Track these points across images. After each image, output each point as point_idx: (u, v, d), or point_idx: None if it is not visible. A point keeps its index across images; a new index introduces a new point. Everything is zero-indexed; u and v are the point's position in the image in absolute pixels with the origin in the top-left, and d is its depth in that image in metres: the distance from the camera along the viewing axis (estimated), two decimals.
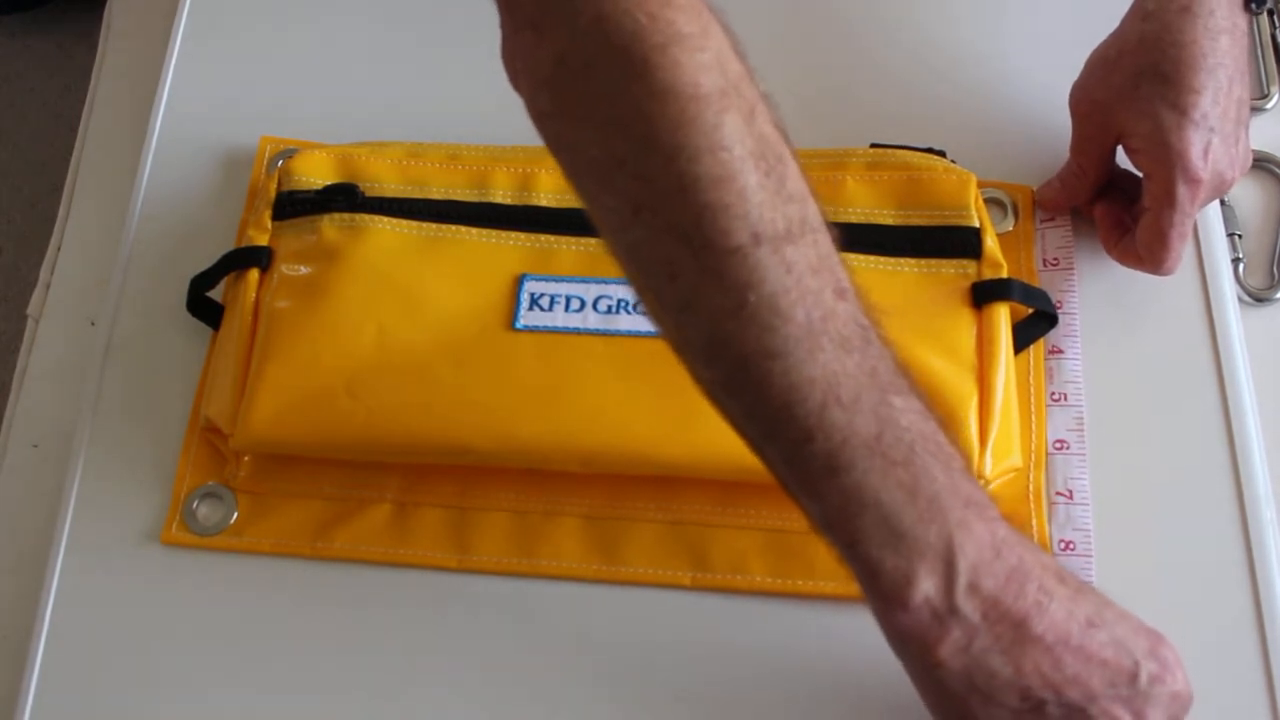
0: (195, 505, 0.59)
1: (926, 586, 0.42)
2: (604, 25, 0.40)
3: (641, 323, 0.58)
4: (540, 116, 0.43)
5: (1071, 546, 0.56)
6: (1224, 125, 0.55)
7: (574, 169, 0.43)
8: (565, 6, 0.40)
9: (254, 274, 0.62)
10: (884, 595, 0.43)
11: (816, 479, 0.42)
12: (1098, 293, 0.61)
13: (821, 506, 0.43)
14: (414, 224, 0.61)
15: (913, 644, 0.43)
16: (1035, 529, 0.56)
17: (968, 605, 0.42)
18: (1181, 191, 0.55)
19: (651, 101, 0.40)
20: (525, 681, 0.55)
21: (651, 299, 0.43)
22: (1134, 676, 0.44)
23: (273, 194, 0.64)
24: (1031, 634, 0.42)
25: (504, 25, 0.43)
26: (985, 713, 0.44)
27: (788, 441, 0.42)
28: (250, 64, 0.71)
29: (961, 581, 0.42)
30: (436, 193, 0.62)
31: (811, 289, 0.41)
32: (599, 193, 0.42)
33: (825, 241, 0.42)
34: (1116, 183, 0.61)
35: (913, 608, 0.42)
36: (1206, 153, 0.55)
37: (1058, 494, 0.57)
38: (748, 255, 0.40)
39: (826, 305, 0.41)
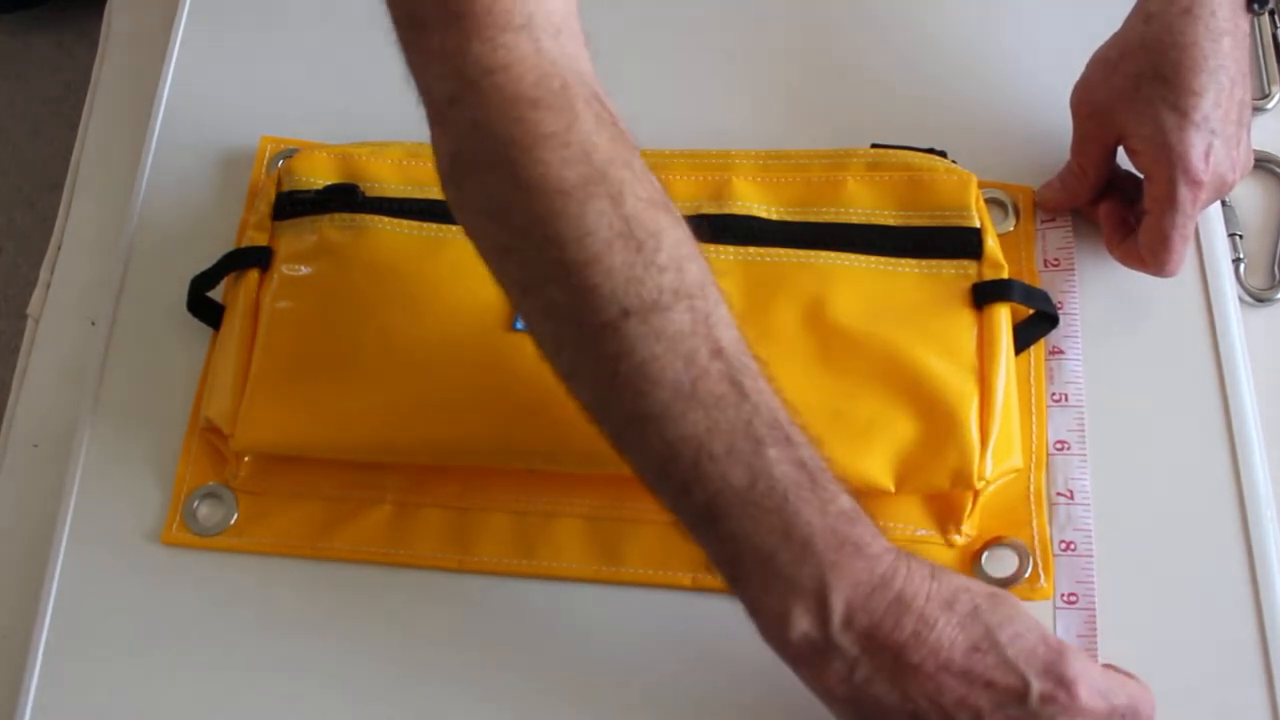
0: (195, 505, 0.59)
1: (802, 624, 0.44)
2: (479, 131, 0.45)
3: None
4: (450, 205, 0.48)
5: (1072, 547, 0.56)
6: (1225, 127, 0.55)
7: (480, 252, 0.48)
8: (451, 111, 0.46)
9: (254, 274, 0.62)
10: (765, 631, 0.45)
11: (698, 526, 0.46)
12: (1098, 293, 0.61)
13: (707, 549, 0.46)
14: (414, 224, 0.61)
15: (802, 671, 0.46)
16: (1036, 529, 0.56)
17: (844, 639, 0.44)
18: (1183, 193, 0.55)
19: (523, 198, 0.45)
20: (525, 682, 0.55)
21: (550, 365, 0.48)
22: (1023, 696, 0.44)
23: (273, 194, 0.64)
24: (909, 663, 0.44)
25: (426, 118, 0.48)
26: None
27: (669, 493, 0.46)
28: (250, 64, 0.71)
29: (836, 619, 0.44)
30: (437, 193, 0.61)
31: (683, 353, 0.44)
32: (497, 274, 0.48)
33: (703, 304, 0.45)
34: (1119, 184, 0.61)
35: (792, 642, 0.44)
36: (1208, 155, 0.55)
37: (1058, 494, 0.57)
38: (617, 329, 0.44)
39: (700, 366, 0.44)
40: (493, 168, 0.45)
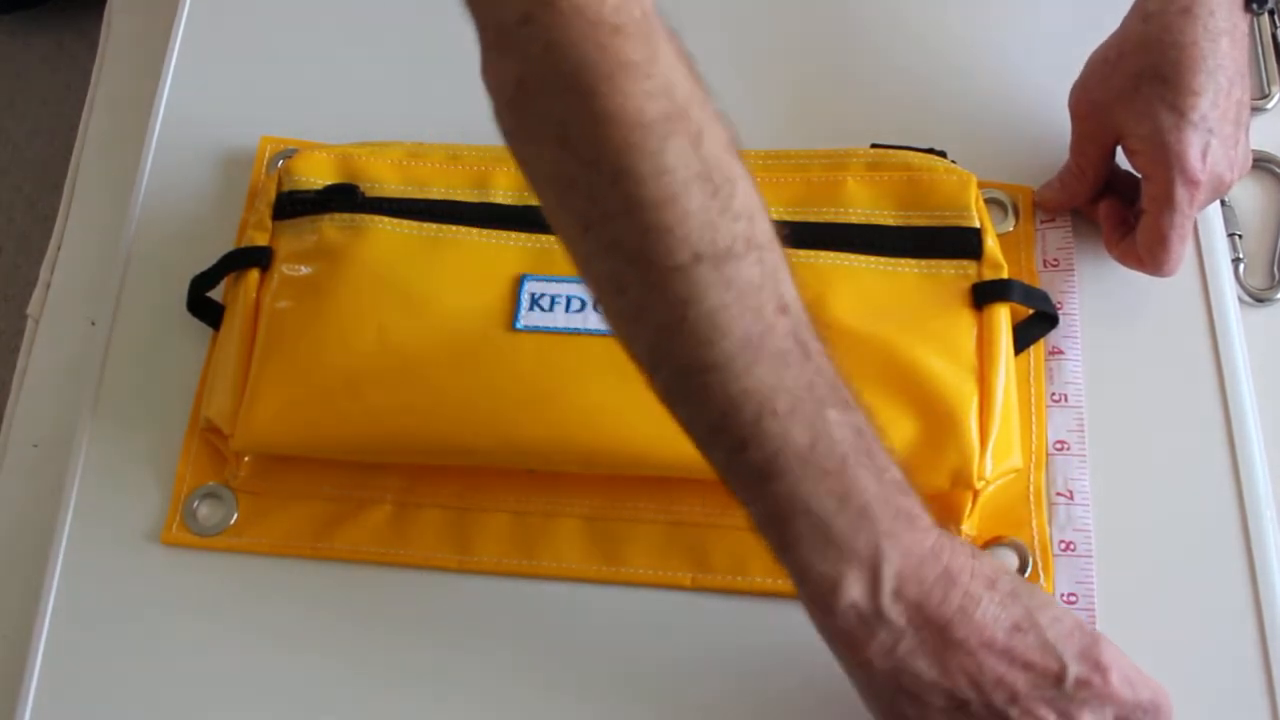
0: (195, 505, 0.59)
1: (853, 592, 0.44)
2: (554, 53, 0.42)
3: None
4: (505, 133, 0.45)
5: (1071, 547, 0.56)
6: (1223, 127, 0.55)
7: (533, 184, 0.45)
8: (522, 31, 0.42)
9: (254, 274, 0.62)
10: (813, 598, 0.45)
11: (752, 484, 0.45)
12: (1098, 293, 0.61)
13: (757, 509, 0.45)
14: (414, 224, 0.61)
15: (841, 645, 0.45)
16: (1035, 529, 0.56)
17: (893, 610, 0.44)
18: (1180, 193, 0.55)
19: (598, 127, 0.42)
20: (525, 682, 0.55)
21: (604, 309, 0.46)
22: (1060, 679, 0.45)
23: (273, 194, 0.64)
24: (954, 638, 0.44)
25: (480, 43, 0.45)
26: (914, 711, 0.45)
27: (725, 449, 0.45)
28: (250, 64, 0.71)
29: (887, 588, 0.44)
30: (437, 193, 0.62)
31: (752, 305, 0.43)
32: (554, 208, 0.45)
33: (772, 258, 0.44)
34: (1118, 184, 0.61)
35: (839, 611, 0.44)
36: (1205, 155, 0.55)
37: (1058, 494, 0.57)
38: (688, 273, 0.42)
39: (766, 320, 0.43)
40: (566, 93, 0.42)
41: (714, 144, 0.43)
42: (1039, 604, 0.46)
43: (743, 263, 0.43)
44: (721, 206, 0.43)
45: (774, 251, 0.44)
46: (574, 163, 0.43)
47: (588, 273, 0.45)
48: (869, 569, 0.43)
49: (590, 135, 0.42)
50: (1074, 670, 0.45)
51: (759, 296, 0.43)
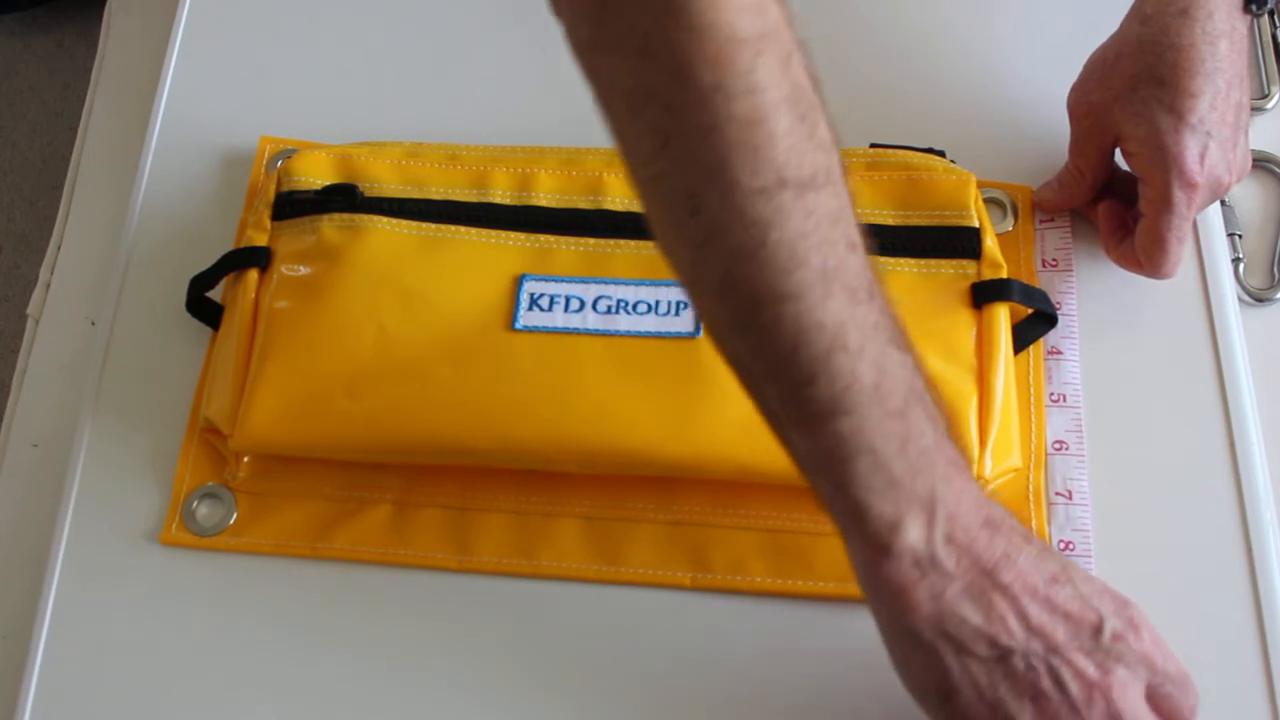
0: (195, 506, 0.59)
1: (912, 534, 0.44)
2: None
3: (641, 323, 0.58)
4: (579, 45, 0.43)
5: (1071, 547, 0.56)
6: (1221, 130, 0.55)
7: (607, 98, 0.43)
8: None
9: (253, 274, 0.62)
10: (869, 539, 0.44)
11: (814, 420, 0.43)
12: (1097, 293, 0.61)
13: (814, 447, 0.44)
14: (413, 224, 0.61)
15: (890, 589, 0.45)
16: (1035, 529, 0.56)
17: (944, 552, 0.44)
18: (1178, 196, 0.55)
19: (688, 38, 0.40)
20: (525, 682, 0.55)
21: (670, 232, 0.44)
22: (1097, 630, 0.45)
23: (272, 194, 0.64)
24: (1000, 582, 0.44)
25: None
26: (956, 662, 0.45)
27: (790, 382, 0.43)
28: (250, 64, 0.71)
29: (940, 531, 0.44)
30: (436, 193, 0.62)
31: (829, 238, 0.42)
32: (629, 121, 0.43)
33: (844, 193, 0.43)
34: (1118, 185, 0.61)
35: (895, 553, 0.44)
36: (1203, 157, 0.55)
37: (1057, 494, 0.57)
38: (772, 197, 0.41)
39: (840, 255, 0.42)
40: (655, 3, 0.40)
41: (800, 69, 0.42)
42: (1068, 562, 0.46)
43: (822, 193, 0.42)
44: (808, 133, 0.42)
45: (846, 189, 0.44)
46: (657, 73, 0.41)
47: (658, 191, 0.43)
48: (926, 512, 0.44)
49: (679, 46, 0.40)
50: (1110, 624, 0.45)
51: (835, 230, 0.42)
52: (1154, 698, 0.46)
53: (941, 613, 0.44)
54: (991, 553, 0.44)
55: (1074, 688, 0.45)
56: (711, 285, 0.43)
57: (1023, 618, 0.44)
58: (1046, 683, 0.45)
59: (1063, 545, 0.56)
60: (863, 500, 0.44)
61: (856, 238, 0.44)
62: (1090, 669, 0.45)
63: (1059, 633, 0.45)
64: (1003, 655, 0.45)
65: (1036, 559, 0.45)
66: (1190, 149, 0.55)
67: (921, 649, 0.45)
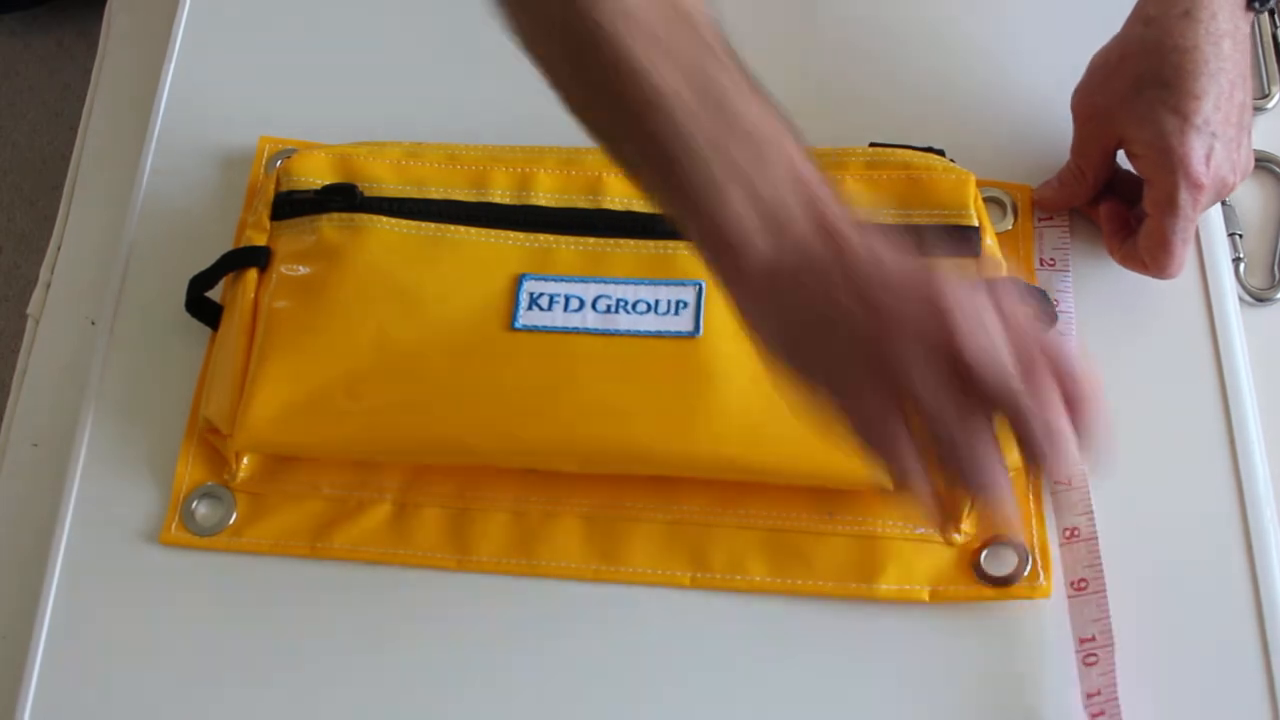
0: (195, 505, 0.59)
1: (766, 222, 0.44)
2: None
3: (641, 322, 0.58)
4: None
5: (1076, 533, 0.55)
6: (1226, 130, 0.55)
7: None
8: None
9: (253, 274, 0.62)
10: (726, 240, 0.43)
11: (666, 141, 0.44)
12: (1095, 293, 0.61)
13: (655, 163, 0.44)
14: (413, 224, 0.61)
15: (757, 280, 0.44)
16: (1034, 528, 0.56)
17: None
18: (1183, 197, 0.55)
19: None
20: (525, 681, 0.55)
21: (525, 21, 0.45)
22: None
23: (271, 194, 0.64)
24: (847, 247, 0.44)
25: None
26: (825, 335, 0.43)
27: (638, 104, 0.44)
28: (250, 64, 0.71)
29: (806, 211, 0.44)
30: (435, 193, 0.62)
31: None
32: None
33: None
34: (1119, 186, 0.61)
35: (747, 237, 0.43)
36: (1209, 158, 0.55)
37: (1057, 484, 0.56)
38: None
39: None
40: None
41: None
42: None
43: None
44: None
45: None
46: None
47: None
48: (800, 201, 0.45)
49: None
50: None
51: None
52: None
53: (800, 277, 0.44)
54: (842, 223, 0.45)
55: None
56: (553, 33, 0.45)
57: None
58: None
59: (1066, 532, 0.55)
60: (712, 205, 0.43)
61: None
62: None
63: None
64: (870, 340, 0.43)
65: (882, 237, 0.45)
66: (1196, 150, 0.55)
67: (794, 326, 0.44)
